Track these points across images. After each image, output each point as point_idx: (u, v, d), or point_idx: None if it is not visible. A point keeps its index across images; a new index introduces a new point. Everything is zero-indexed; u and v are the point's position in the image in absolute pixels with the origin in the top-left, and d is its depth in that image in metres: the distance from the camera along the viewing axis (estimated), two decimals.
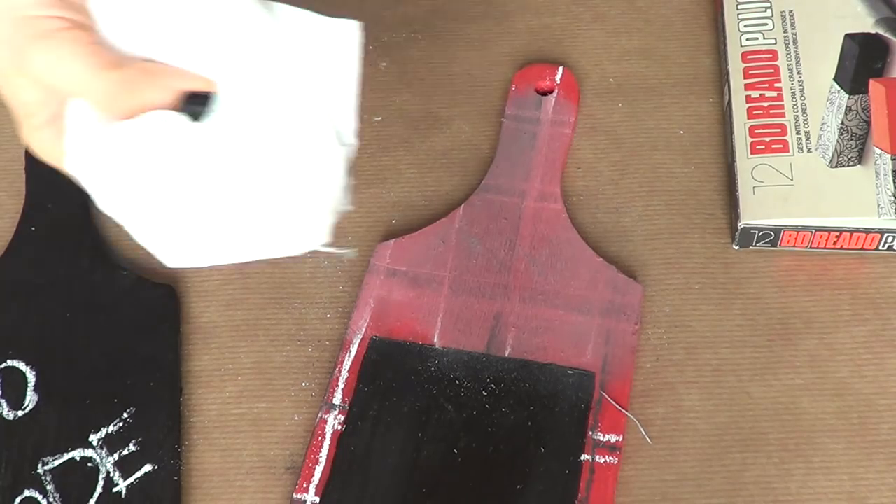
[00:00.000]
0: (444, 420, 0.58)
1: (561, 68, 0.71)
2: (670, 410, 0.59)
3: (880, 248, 0.63)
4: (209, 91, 0.47)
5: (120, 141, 0.46)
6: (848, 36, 0.69)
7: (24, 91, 0.48)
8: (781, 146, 0.65)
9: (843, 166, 0.64)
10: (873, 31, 0.69)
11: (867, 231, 0.62)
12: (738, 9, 0.72)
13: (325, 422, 0.58)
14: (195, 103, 0.47)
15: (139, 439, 0.58)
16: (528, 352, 0.60)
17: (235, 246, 0.48)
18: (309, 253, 0.64)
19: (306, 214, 0.48)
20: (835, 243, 0.63)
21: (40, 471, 0.57)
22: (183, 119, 0.46)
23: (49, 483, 0.57)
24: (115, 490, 0.57)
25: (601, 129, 0.69)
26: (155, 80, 0.47)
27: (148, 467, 0.57)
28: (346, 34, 0.48)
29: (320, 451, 0.58)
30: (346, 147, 0.49)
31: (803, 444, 0.58)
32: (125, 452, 0.58)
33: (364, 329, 0.61)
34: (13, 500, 0.57)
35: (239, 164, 0.46)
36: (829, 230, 0.63)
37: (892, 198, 0.62)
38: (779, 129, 0.66)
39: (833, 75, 0.68)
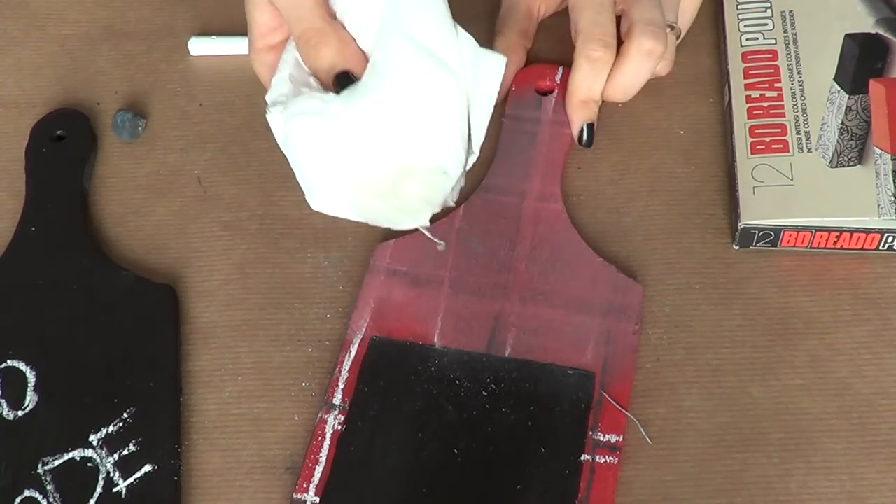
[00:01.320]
0: (444, 420, 0.58)
1: (561, 68, 0.71)
2: (670, 410, 0.59)
3: (880, 248, 0.63)
4: (355, 76, 0.55)
5: (304, 97, 0.55)
6: (848, 36, 0.69)
7: (260, 12, 0.59)
8: (781, 146, 0.65)
9: (843, 166, 0.64)
10: (873, 31, 0.69)
11: (867, 231, 0.62)
12: (738, 9, 0.72)
13: (325, 422, 0.59)
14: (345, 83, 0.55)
15: (139, 439, 0.58)
16: (528, 352, 0.60)
17: (361, 205, 0.56)
18: (310, 253, 0.65)
19: (421, 195, 0.55)
20: (835, 243, 0.63)
21: (40, 471, 0.57)
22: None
23: (49, 483, 0.57)
24: (115, 490, 0.57)
25: (601, 129, 0.69)
26: (341, 46, 0.56)
27: (148, 467, 0.57)
28: (496, 64, 0.57)
29: (320, 451, 0.58)
30: (470, 154, 0.57)
31: (803, 444, 0.58)
32: (125, 452, 0.58)
33: (364, 329, 0.61)
34: (13, 500, 0.57)
35: (382, 135, 0.54)
36: (829, 230, 0.63)
37: (893, 198, 0.62)
38: (779, 129, 0.66)
39: (833, 75, 0.68)
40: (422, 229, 0.57)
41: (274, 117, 0.56)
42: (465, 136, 0.56)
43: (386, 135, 0.54)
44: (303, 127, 0.55)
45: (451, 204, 0.57)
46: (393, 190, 0.55)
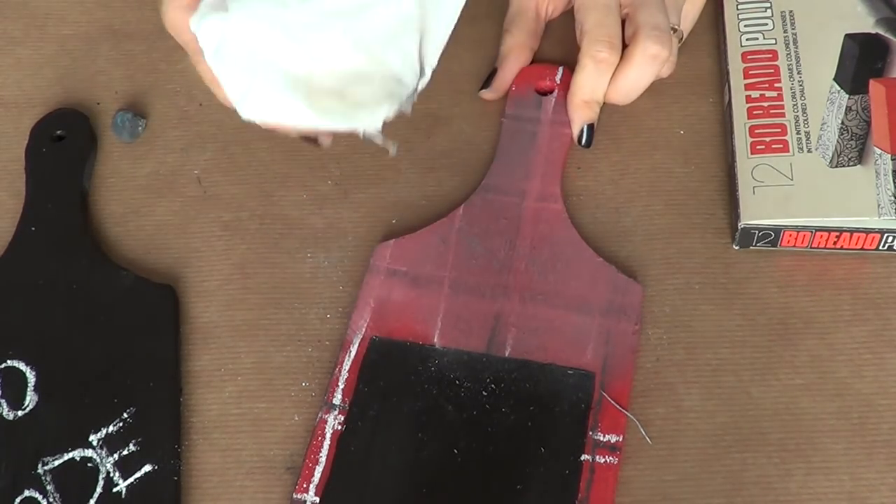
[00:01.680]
0: (444, 420, 0.58)
1: (561, 68, 0.71)
2: (670, 410, 0.59)
3: (880, 248, 0.63)
4: None
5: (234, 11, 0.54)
6: (848, 36, 0.69)
7: None
8: (781, 146, 0.65)
9: (843, 166, 0.64)
10: (873, 31, 0.69)
11: (867, 231, 0.62)
12: (738, 9, 0.72)
13: (325, 422, 0.59)
14: None
15: (139, 439, 0.58)
16: (528, 352, 0.60)
17: (305, 105, 0.54)
18: (310, 253, 0.65)
19: (374, 94, 0.54)
20: (835, 243, 0.63)
21: (40, 471, 0.57)
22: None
23: (49, 483, 0.57)
24: (114, 490, 0.57)
25: (601, 129, 0.69)
26: None
27: (148, 467, 0.57)
28: None
29: (320, 451, 0.58)
30: (421, 77, 0.55)
31: (803, 444, 0.58)
32: (125, 452, 0.58)
33: (364, 329, 0.61)
34: (13, 500, 0.57)
35: (329, 34, 0.53)
36: (829, 230, 0.63)
37: (892, 198, 0.62)
38: (779, 129, 0.66)
39: (833, 75, 0.68)
40: (371, 135, 0.55)
41: (209, 23, 0.54)
42: (420, 51, 0.55)
43: (342, 32, 0.53)
44: (252, 14, 0.53)
45: (406, 112, 0.55)
46: (344, 90, 0.54)
